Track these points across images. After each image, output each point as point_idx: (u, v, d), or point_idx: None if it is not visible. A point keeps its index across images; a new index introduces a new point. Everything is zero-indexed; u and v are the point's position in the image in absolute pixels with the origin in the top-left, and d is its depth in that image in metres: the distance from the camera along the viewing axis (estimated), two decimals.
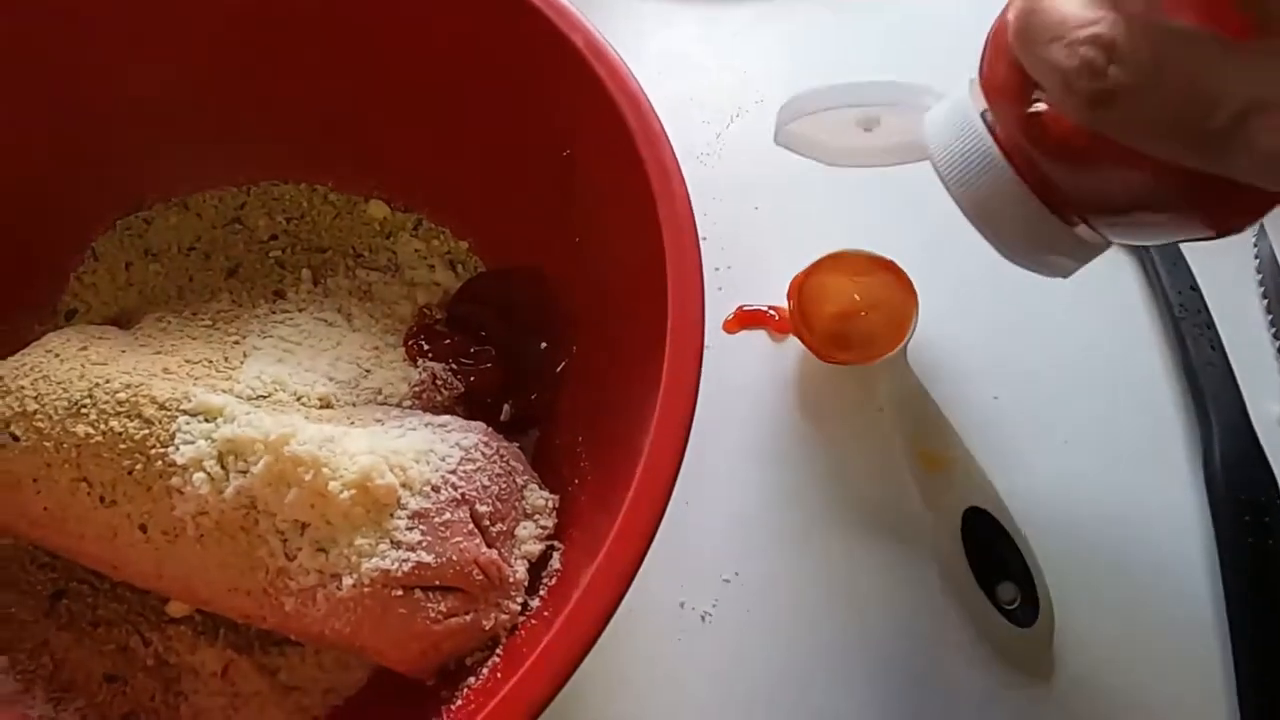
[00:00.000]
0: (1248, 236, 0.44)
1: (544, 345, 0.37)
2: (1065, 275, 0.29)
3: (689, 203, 0.29)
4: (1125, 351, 0.43)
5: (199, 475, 0.30)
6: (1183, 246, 0.44)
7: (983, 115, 0.27)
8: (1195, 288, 0.43)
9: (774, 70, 0.50)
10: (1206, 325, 0.42)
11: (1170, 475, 0.40)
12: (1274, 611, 0.36)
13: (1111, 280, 0.44)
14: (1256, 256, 0.44)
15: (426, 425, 0.33)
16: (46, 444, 0.31)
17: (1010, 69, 0.25)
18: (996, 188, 0.27)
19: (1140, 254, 0.44)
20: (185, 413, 0.30)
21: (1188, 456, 0.40)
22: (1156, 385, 0.42)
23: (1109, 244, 0.28)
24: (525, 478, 0.33)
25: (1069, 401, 0.42)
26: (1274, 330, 0.42)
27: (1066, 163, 0.25)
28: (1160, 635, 0.38)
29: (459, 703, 0.29)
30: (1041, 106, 0.25)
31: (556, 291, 0.37)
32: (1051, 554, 0.37)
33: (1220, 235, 0.26)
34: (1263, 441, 0.39)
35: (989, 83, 0.26)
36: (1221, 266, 0.44)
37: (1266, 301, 0.43)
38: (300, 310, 0.38)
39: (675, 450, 0.27)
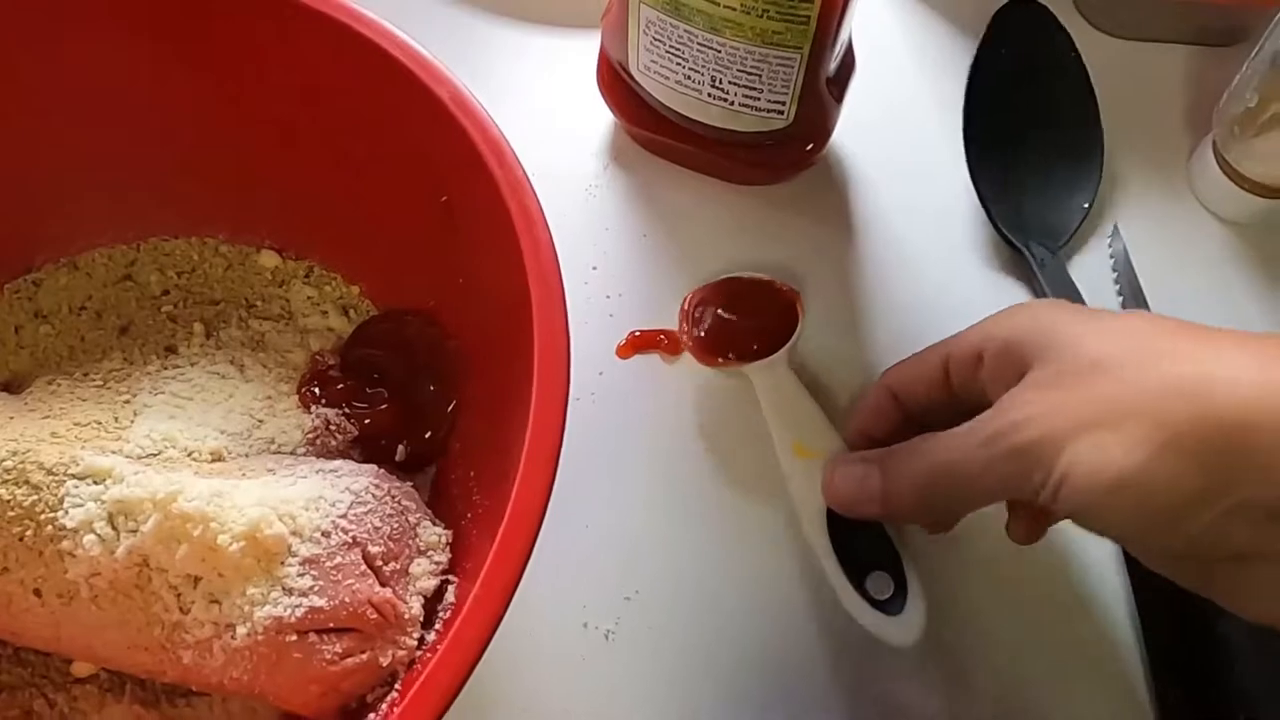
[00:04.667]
0: (1103, 238, 0.47)
1: (433, 387, 0.38)
2: None
3: (552, 247, 0.31)
4: None
5: (89, 537, 0.30)
6: (1064, 259, 0.46)
7: None
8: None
9: None
10: None
11: None
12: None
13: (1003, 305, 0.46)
14: (1111, 255, 0.46)
15: (318, 472, 0.33)
16: None
17: None
18: None
19: (1033, 284, 0.46)
20: (73, 476, 0.31)
21: None
22: None
23: None
24: (418, 515, 0.34)
25: None
26: None
27: None
28: (1054, 616, 0.40)
29: None
30: None
31: (446, 332, 0.39)
32: (922, 540, 0.39)
33: None
34: None
35: None
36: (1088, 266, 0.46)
37: (1122, 299, 0.45)
38: (192, 365, 0.38)
39: (545, 475, 0.28)
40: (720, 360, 0.43)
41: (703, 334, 0.44)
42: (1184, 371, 0.28)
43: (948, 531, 0.37)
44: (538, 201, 0.31)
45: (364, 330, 0.41)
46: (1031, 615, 0.40)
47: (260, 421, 0.36)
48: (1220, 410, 0.27)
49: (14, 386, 0.39)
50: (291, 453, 0.36)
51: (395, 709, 0.30)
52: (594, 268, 0.46)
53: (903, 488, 0.34)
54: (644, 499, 0.42)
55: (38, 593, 0.31)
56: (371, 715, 0.31)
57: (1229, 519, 0.28)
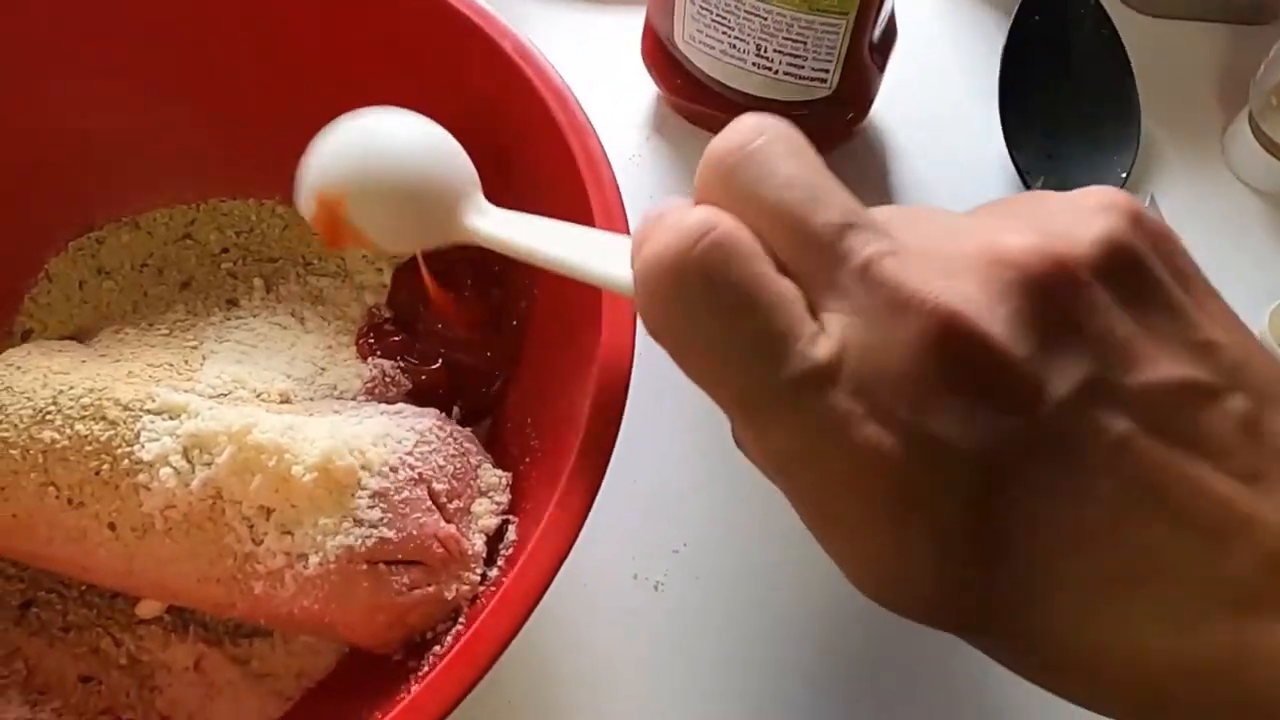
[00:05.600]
0: None
1: (489, 354, 0.38)
2: None
3: (617, 188, 0.32)
4: None
5: (165, 470, 0.31)
6: None
7: None
8: None
9: None
10: None
11: None
12: None
13: None
14: None
15: (382, 413, 0.34)
16: (13, 452, 0.32)
17: None
18: None
19: None
20: (149, 412, 0.32)
21: None
22: None
23: None
24: (479, 458, 0.35)
25: None
26: None
27: None
28: None
29: (426, 671, 0.31)
30: None
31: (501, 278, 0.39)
32: None
33: None
34: None
35: None
36: None
37: None
38: (254, 316, 0.39)
39: (612, 418, 0.29)
40: None
41: None
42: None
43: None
44: (600, 144, 0.32)
45: (402, 271, 0.41)
46: None
47: (322, 369, 0.37)
48: None
49: (80, 339, 0.39)
50: (353, 398, 0.37)
51: (460, 640, 0.31)
52: None
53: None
54: (692, 453, 0.42)
55: (112, 526, 0.32)
56: (435, 648, 0.31)
57: None
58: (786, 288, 0.22)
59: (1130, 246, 0.22)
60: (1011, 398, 0.21)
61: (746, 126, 0.23)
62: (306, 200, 0.31)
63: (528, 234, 0.29)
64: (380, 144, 0.31)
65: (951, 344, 0.21)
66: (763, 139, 0.23)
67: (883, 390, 0.21)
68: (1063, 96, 0.48)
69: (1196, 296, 0.23)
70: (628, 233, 0.31)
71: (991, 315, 0.21)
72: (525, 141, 0.35)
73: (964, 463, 0.21)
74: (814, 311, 0.22)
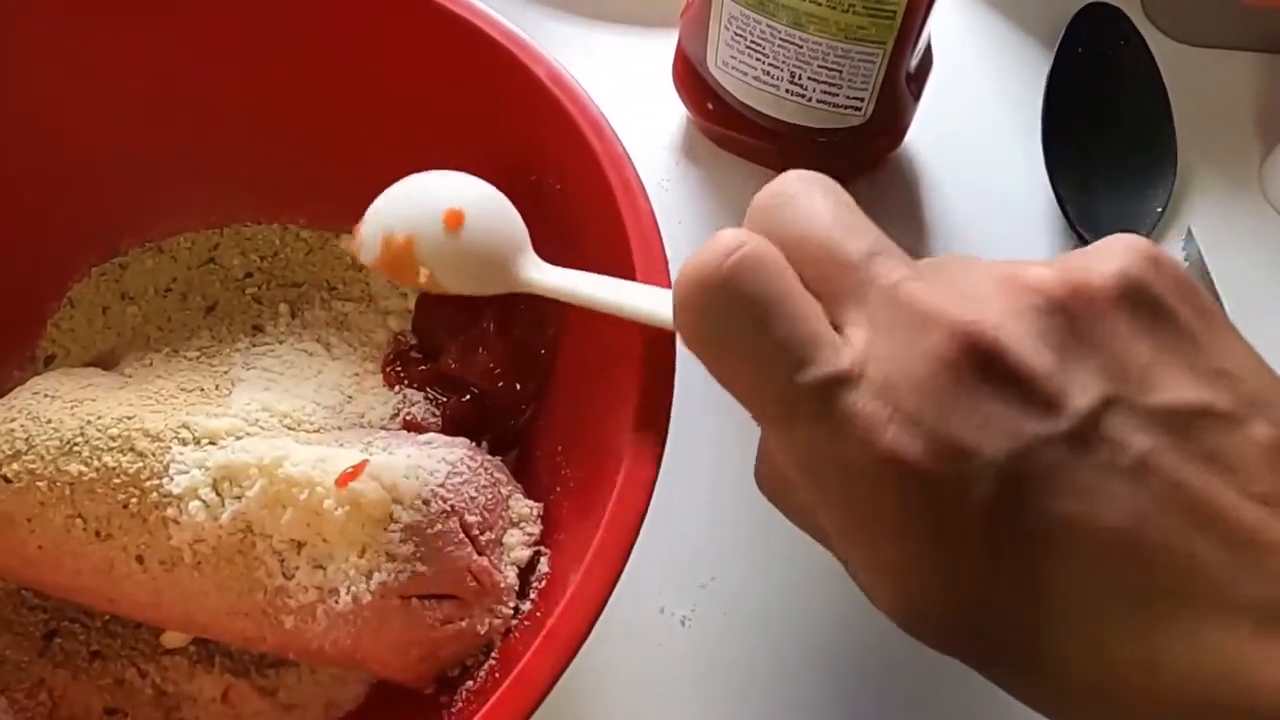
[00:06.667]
0: (1176, 240, 0.47)
1: (518, 386, 0.38)
2: None
3: (653, 218, 0.31)
4: None
5: (194, 504, 0.31)
6: None
7: None
8: None
9: None
10: None
11: None
12: None
13: None
14: (1186, 260, 0.46)
15: (412, 443, 0.34)
16: (40, 484, 0.32)
17: None
18: None
19: None
20: (180, 441, 0.31)
21: None
22: None
23: None
24: (510, 488, 0.34)
25: None
26: None
27: None
28: None
29: (458, 706, 0.30)
30: None
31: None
32: None
33: None
34: None
35: None
36: None
37: None
38: (280, 342, 0.39)
39: (654, 453, 0.28)
40: None
41: None
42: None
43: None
44: (637, 174, 0.32)
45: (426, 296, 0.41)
46: None
47: (350, 397, 0.37)
48: None
49: (103, 364, 0.39)
50: (381, 427, 0.36)
51: (495, 675, 0.30)
52: (670, 259, 0.46)
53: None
54: (723, 485, 0.42)
55: (140, 559, 0.32)
56: (468, 683, 0.31)
57: None
58: (811, 302, 0.24)
59: (1148, 282, 0.23)
60: (1032, 407, 0.21)
61: (789, 179, 0.26)
62: (370, 239, 0.34)
63: (575, 283, 0.32)
64: (448, 195, 0.33)
65: (974, 354, 0.22)
66: (801, 185, 0.25)
67: (906, 396, 0.22)
68: (1102, 126, 0.48)
69: (1217, 333, 0.23)
70: (664, 258, 0.31)
71: (1013, 331, 0.22)
72: (561, 170, 0.34)
73: (985, 467, 0.21)
74: (837, 327, 0.23)
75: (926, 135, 0.49)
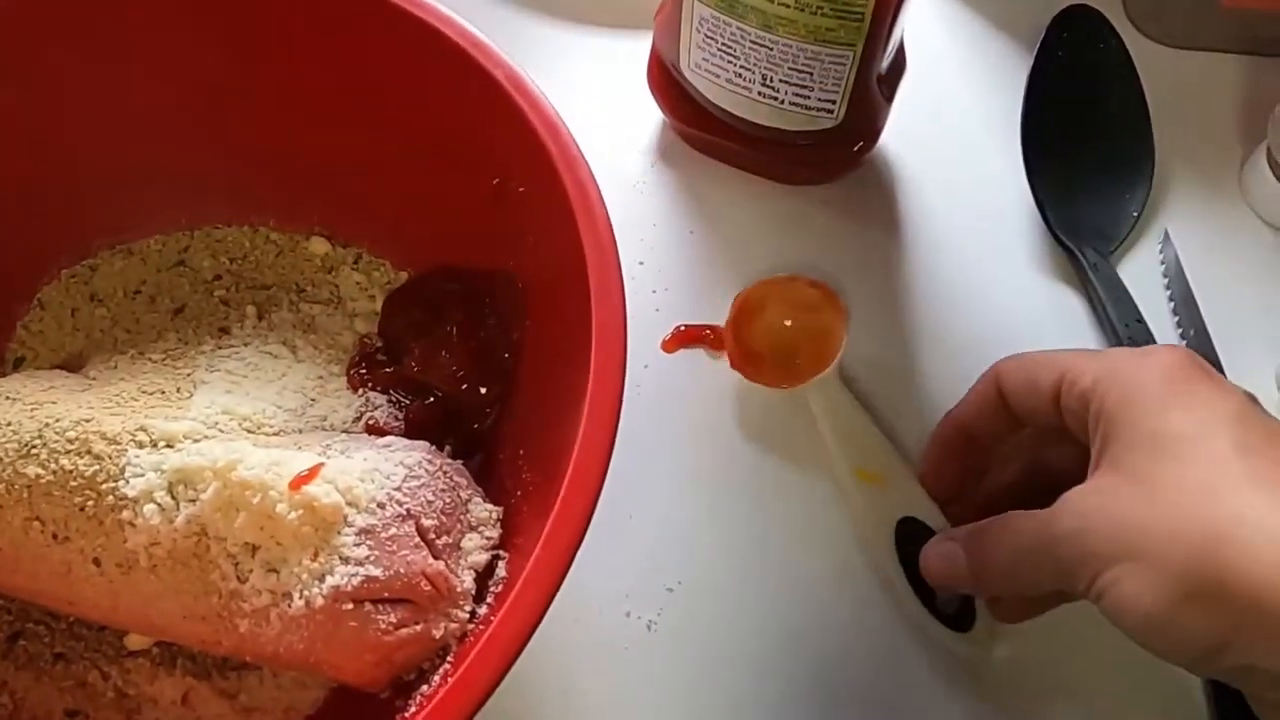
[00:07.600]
0: (1154, 243, 0.47)
1: (482, 390, 0.38)
2: None
3: (608, 219, 0.31)
4: None
5: (150, 506, 0.31)
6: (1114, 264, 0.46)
7: None
8: (1141, 320, 0.44)
9: None
10: None
11: None
12: None
13: (1054, 311, 0.46)
14: (1162, 262, 0.46)
15: (371, 447, 0.34)
16: None
17: None
18: None
19: (1087, 288, 0.46)
20: (136, 444, 0.31)
21: None
22: None
23: None
24: (469, 492, 0.34)
25: None
26: (1180, 330, 0.44)
27: None
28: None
29: (412, 710, 0.30)
30: None
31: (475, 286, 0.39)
32: None
33: None
34: None
35: None
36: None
37: (1173, 305, 0.45)
38: (245, 345, 0.39)
39: (601, 453, 0.28)
40: (765, 379, 0.42)
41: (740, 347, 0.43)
42: (1218, 514, 0.28)
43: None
44: (593, 177, 0.32)
45: (394, 298, 0.41)
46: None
47: (313, 400, 0.37)
48: (1230, 570, 0.27)
49: (71, 366, 0.39)
50: (343, 430, 0.36)
51: (448, 680, 0.30)
52: (640, 263, 0.46)
53: (989, 569, 0.34)
54: (687, 491, 0.42)
55: (97, 562, 0.32)
56: (423, 687, 0.31)
57: (1244, 673, 0.28)
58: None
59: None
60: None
61: None
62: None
63: None
64: None
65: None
66: None
67: None
68: (1082, 128, 0.48)
69: None
70: (615, 258, 0.31)
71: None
72: (522, 172, 0.34)
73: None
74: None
75: (905, 137, 0.49)
